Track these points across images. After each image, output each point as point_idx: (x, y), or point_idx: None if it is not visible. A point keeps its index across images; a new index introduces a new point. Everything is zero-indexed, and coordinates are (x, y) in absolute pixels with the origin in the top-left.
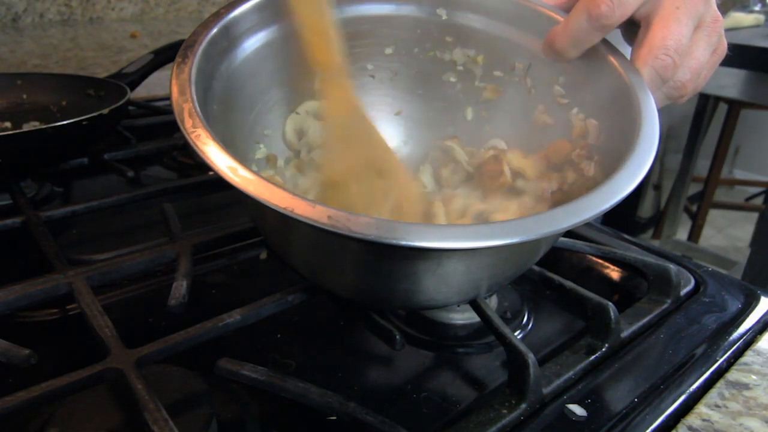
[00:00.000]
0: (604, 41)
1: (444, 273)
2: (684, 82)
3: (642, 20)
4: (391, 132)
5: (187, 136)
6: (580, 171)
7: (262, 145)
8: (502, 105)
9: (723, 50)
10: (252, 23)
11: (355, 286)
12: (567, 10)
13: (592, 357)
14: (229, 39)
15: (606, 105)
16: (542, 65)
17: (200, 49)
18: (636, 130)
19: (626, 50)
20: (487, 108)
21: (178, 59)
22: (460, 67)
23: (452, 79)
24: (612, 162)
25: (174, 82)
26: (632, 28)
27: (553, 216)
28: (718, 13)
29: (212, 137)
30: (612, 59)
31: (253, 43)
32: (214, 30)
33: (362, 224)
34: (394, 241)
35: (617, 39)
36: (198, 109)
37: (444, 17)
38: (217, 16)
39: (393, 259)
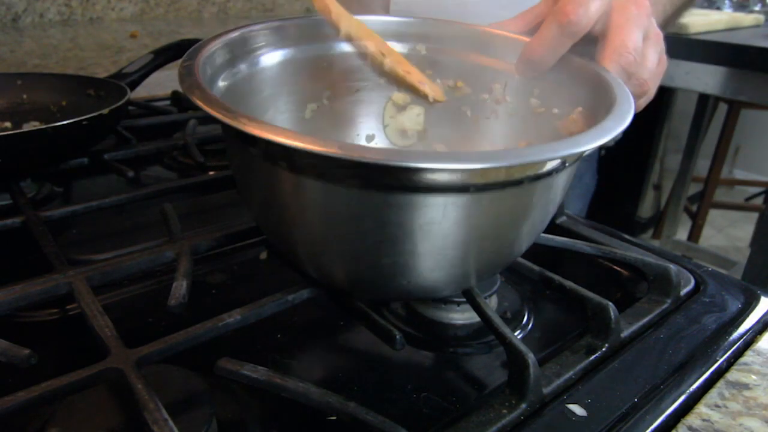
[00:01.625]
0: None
1: (446, 228)
2: (645, 79)
3: (598, 35)
4: None
5: (191, 96)
6: None
7: None
8: (484, 132)
9: (665, 63)
10: (253, 46)
11: (356, 255)
12: (530, 33)
13: (592, 357)
14: (230, 57)
15: (582, 99)
16: (517, 83)
17: (205, 55)
18: (612, 100)
19: None
20: (471, 137)
21: (184, 57)
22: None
23: (436, 108)
24: None
25: (181, 67)
26: (590, 46)
27: (554, 145)
28: (658, 30)
29: (217, 96)
30: (578, 60)
31: (251, 65)
32: (218, 44)
33: (373, 151)
34: (404, 163)
35: None
36: (202, 79)
37: (423, 52)
38: (220, 35)
39: (401, 207)
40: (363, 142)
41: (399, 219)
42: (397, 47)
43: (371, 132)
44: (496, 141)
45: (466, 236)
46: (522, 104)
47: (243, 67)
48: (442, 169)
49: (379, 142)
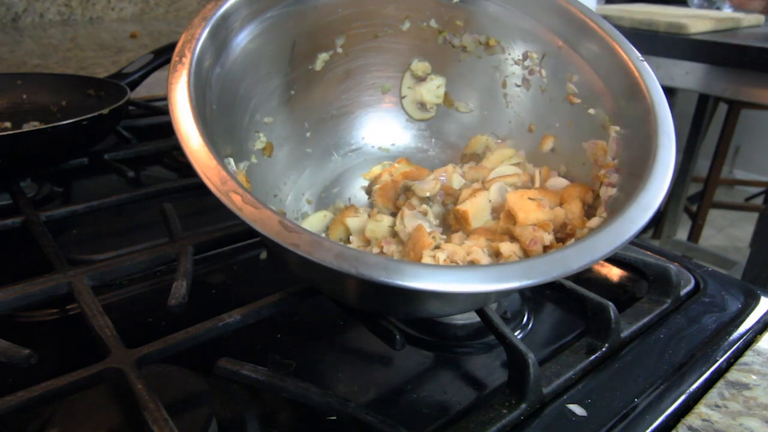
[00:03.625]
0: (625, 43)
1: (455, 296)
2: None
3: None
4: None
5: (199, 171)
6: (598, 196)
7: (261, 134)
8: (510, 100)
9: None
10: (247, 11)
11: (360, 301)
12: None
13: (592, 357)
14: (226, 31)
15: (621, 115)
16: (556, 59)
17: (197, 48)
18: (652, 155)
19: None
20: (495, 103)
21: (174, 58)
22: (469, 56)
23: (462, 63)
24: (627, 185)
25: (172, 99)
26: None
27: (564, 257)
28: None
29: (220, 163)
30: (632, 66)
31: (250, 32)
32: (210, 25)
33: (371, 264)
34: (403, 284)
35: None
36: (208, 142)
37: (455, 0)
38: (216, 3)
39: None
40: (378, 94)
41: (409, 293)
42: None
43: (389, 83)
44: (522, 114)
45: (481, 297)
46: (556, 85)
47: (241, 37)
48: (438, 291)
49: (395, 96)
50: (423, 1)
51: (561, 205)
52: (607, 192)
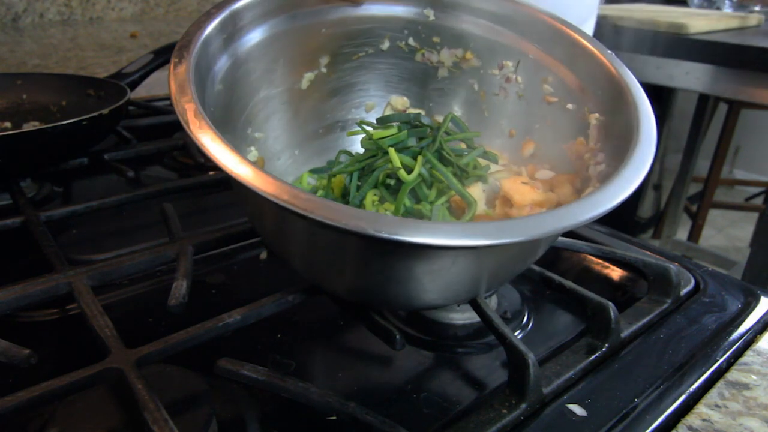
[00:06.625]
0: (593, 41)
1: (457, 271)
2: None
3: None
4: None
5: (195, 139)
6: (587, 178)
7: (253, 149)
8: (489, 109)
9: None
10: (244, 22)
11: (361, 287)
12: None
13: (592, 357)
14: (222, 39)
15: (600, 103)
16: (531, 65)
17: (195, 50)
18: (635, 128)
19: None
20: (474, 112)
21: (174, 59)
22: (447, 71)
23: (441, 78)
24: (616, 161)
25: (173, 83)
26: None
27: (569, 211)
28: None
29: (221, 138)
30: (603, 58)
31: (244, 42)
32: (208, 29)
33: (389, 223)
34: (409, 239)
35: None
36: (201, 109)
37: (431, 18)
38: (209, 15)
39: (411, 257)
40: (362, 113)
41: (408, 266)
42: (401, 10)
43: (372, 101)
44: (501, 121)
45: (478, 273)
46: (533, 88)
47: (236, 47)
48: (445, 246)
49: (380, 113)
50: (401, 20)
51: (552, 191)
52: (596, 169)
